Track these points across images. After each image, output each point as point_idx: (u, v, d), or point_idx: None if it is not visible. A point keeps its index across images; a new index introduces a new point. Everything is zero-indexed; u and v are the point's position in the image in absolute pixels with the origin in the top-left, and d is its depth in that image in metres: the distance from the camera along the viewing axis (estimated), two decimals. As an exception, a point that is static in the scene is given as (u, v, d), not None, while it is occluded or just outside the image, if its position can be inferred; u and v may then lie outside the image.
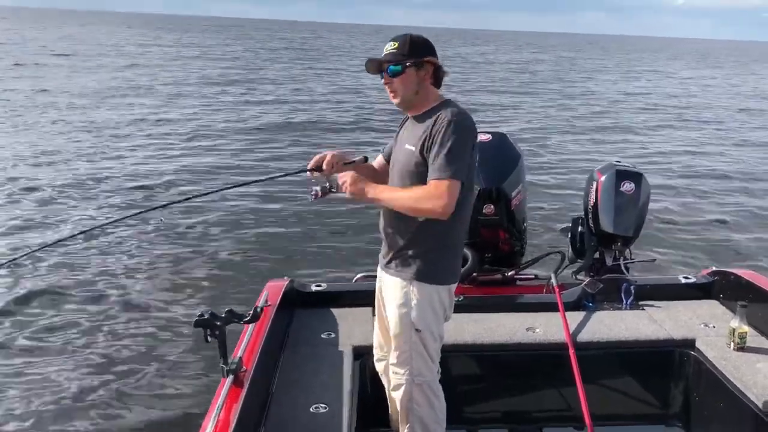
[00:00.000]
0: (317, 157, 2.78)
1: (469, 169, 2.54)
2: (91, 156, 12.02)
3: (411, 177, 2.58)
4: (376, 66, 2.61)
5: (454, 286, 2.71)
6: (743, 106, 23.17)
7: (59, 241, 6.02)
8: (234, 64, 33.73)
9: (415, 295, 2.60)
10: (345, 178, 2.63)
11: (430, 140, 2.49)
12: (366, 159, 2.88)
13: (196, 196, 3.92)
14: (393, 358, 2.71)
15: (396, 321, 2.66)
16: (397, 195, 2.56)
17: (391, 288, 2.68)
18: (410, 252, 2.61)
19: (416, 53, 2.57)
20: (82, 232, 6.42)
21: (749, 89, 32.10)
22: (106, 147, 12.85)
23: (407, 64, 2.55)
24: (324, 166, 2.74)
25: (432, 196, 2.44)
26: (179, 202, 3.28)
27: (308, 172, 2.78)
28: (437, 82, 2.64)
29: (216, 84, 24.14)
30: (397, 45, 2.58)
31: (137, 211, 5.59)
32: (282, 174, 3.36)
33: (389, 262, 2.70)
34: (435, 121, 2.50)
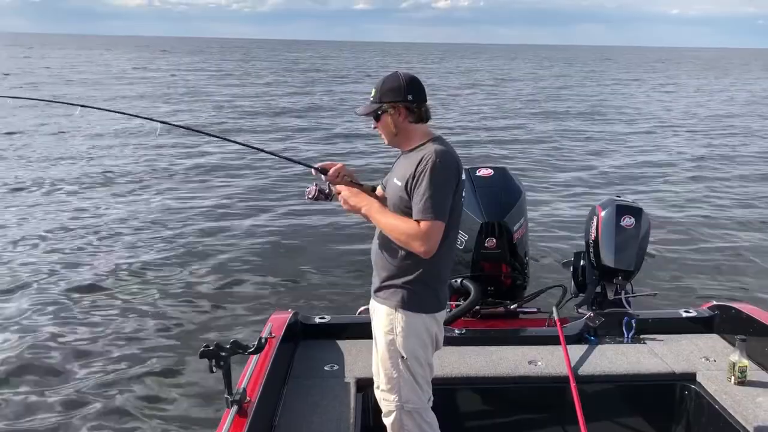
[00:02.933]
0: (328, 162, 2.95)
1: (453, 207, 2.62)
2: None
3: (397, 210, 2.68)
4: (362, 116, 2.79)
5: (441, 315, 2.77)
6: (744, 126, 23.31)
7: None
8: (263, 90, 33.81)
9: (400, 323, 2.67)
10: (344, 189, 2.79)
11: (414, 180, 2.59)
12: (374, 189, 2.98)
13: (196, 131, 4.02)
14: (382, 384, 2.77)
15: (383, 348, 2.73)
16: (387, 220, 2.67)
17: (379, 315, 2.77)
18: (396, 281, 2.69)
19: (386, 99, 2.70)
20: None
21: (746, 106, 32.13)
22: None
23: (379, 112, 2.71)
24: (330, 171, 2.89)
25: (416, 237, 2.54)
26: (174, 125, 3.33)
27: (312, 170, 2.92)
28: (419, 118, 2.72)
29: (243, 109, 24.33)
30: (372, 93, 2.75)
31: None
32: (288, 158, 3.45)
33: (378, 290, 2.78)
34: (420, 160, 2.59)
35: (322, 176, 2.89)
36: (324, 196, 2.86)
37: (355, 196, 2.76)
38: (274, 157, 3.39)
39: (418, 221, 2.55)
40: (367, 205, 2.73)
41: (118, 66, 49.16)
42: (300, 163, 3.24)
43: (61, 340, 5.93)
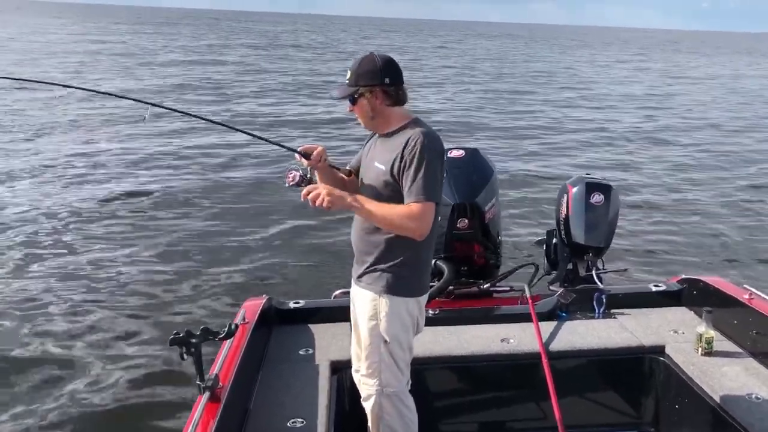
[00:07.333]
0: (310, 145, 2.81)
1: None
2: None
3: (380, 195, 2.64)
4: (337, 99, 2.69)
5: (423, 298, 2.78)
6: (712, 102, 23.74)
7: None
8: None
9: (384, 308, 2.67)
10: (320, 190, 2.56)
11: (402, 162, 2.55)
12: (350, 172, 2.90)
13: (173, 110, 3.78)
14: (363, 369, 2.78)
15: (366, 333, 2.73)
16: (378, 209, 2.58)
17: (362, 301, 2.75)
18: (380, 266, 2.67)
19: (362, 82, 2.63)
20: None
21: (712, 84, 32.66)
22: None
23: (355, 95, 2.65)
24: (313, 155, 2.76)
25: (412, 218, 2.53)
26: (153, 105, 2.96)
27: (297, 154, 2.79)
28: (397, 101, 2.67)
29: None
30: (348, 75, 2.67)
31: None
32: (272, 141, 3.20)
33: (360, 276, 2.76)
34: (406, 143, 2.56)
35: (305, 161, 2.76)
36: (306, 181, 2.73)
37: (333, 192, 2.56)
38: (260, 140, 3.10)
39: (411, 203, 2.52)
40: (351, 197, 2.59)
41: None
42: (283, 146, 3.07)
43: (25, 321, 5.88)
